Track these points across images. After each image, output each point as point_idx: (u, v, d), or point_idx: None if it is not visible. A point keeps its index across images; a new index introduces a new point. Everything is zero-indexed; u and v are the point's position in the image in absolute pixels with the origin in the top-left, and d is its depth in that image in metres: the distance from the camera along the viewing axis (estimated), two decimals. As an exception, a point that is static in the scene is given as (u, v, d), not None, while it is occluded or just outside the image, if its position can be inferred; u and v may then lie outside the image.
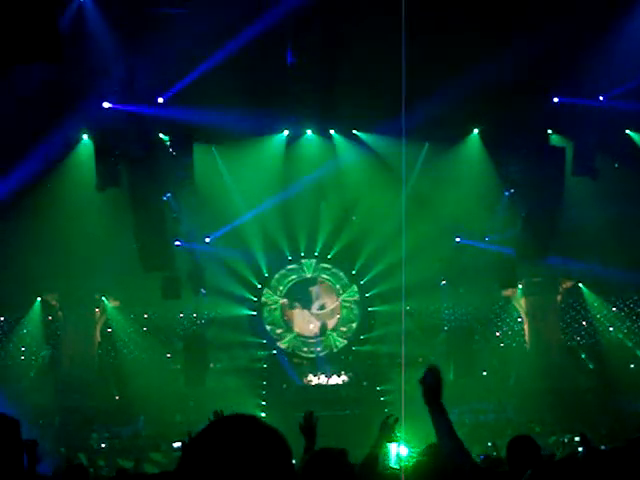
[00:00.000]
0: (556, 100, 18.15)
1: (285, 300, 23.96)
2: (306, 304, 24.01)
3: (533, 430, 18.03)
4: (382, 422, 5.18)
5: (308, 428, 5.35)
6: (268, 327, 23.83)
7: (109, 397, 21.90)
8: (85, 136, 19.02)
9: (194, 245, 21.42)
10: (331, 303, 24.05)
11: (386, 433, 5.13)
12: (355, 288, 23.98)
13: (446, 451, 3.83)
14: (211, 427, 1.74)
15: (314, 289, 24.03)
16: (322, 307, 24.01)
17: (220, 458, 1.65)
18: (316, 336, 23.78)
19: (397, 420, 5.15)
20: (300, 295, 24.06)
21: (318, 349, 23.68)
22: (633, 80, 17.12)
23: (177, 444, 15.22)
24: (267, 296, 23.91)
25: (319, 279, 24.08)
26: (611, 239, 19.42)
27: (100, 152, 18.18)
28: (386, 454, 7.81)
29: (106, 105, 17.38)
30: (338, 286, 24.09)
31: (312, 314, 23.95)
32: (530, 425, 19.26)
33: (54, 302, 22.56)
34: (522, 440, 5.00)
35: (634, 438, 5.31)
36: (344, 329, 23.93)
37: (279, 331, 23.89)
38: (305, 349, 23.78)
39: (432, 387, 3.79)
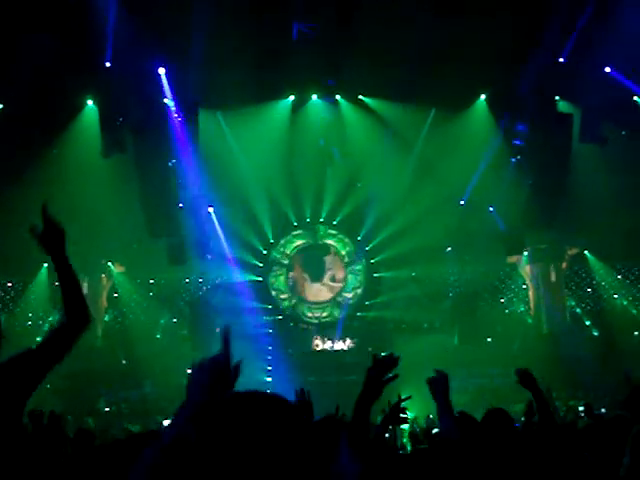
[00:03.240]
0: (561, 60, 17.78)
1: (294, 271, 24.04)
2: (316, 275, 24.07)
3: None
4: (391, 406, 4.57)
5: (303, 403, 5.31)
6: (273, 292, 23.95)
7: (116, 362, 22.08)
8: (90, 102, 18.93)
9: (199, 211, 21.43)
10: (341, 274, 24.12)
11: (395, 415, 4.60)
12: (361, 253, 24.01)
13: (444, 426, 4.21)
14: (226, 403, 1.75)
15: (323, 263, 24.08)
16: (333, 278, 24.09)
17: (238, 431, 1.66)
18: (322, 302, 23.89)
19: (408, 398, 4.56)
20: (309, 264, 24.11)
21: (323, 314, 23.81)
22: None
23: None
24: (272, 261, 23.98)
25: (328, 249, 24.11)
26: (617, 206, 19.37)
27: (105, 118, 18.12)
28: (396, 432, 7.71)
29: (108, 65, 17.14)
30: (344, 252, 24.15)
31: (323, 284, 24.04)
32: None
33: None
34: (496, 412, 5.06)
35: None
36: (349, 295, 24.03)
37: (284, 296, 24.00)
38: (310, 314, 23.90)
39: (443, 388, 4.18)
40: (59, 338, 3.45)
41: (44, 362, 3.42)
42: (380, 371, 3.78)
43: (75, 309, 3.48)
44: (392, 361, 3.86)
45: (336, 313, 23.80)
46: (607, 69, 17.85)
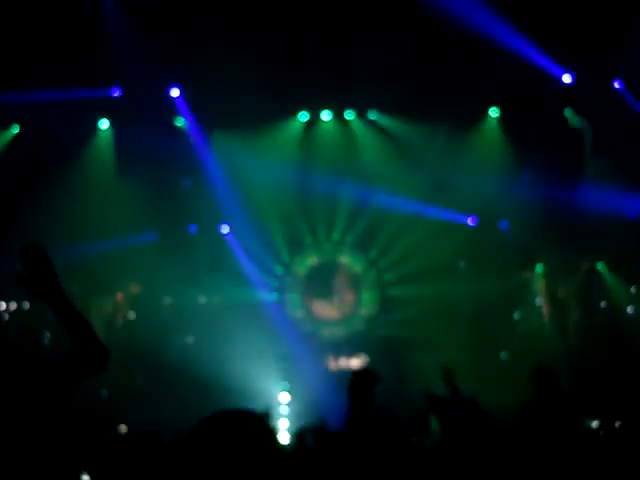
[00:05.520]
0: (568, 80, 17.77)
1: (305, 293, 24.05)
2: (324, 299, 24.10)
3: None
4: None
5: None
6: (289, 311, 23.94)
7: (131, 381, 22.09)
8: (106, 122, 19.11)
9: (213, 231, 21.53)
10: (350, 295, 24.10)
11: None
12: (373, 271, 23.99)
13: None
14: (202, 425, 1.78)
15: (336, 281, 24.08)
16: (342, 299, 24.06)
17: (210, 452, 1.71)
18: (333, 320, 23.87)
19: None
20: (317, 288, 24.13)
21: (335, 332, 23.77)
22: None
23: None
24: (287, 281, 24.01)
25: (340, 267, 24.10)
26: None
27: (120, 138, 18.33)
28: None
29: (116, 93, 17.45)
30: (355, 270, 24.14)
31: (332, 306, 24.02)
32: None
33: (75, 289, 22.79)
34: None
35: None
36: (361, 313, 23.99)
37: (299, 315, 23.99)
38: (324, 332, 23.86)
39: None
40: (69, 370, 3.05)
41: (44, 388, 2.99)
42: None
43: (89, 351, 3.07)
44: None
45: (348, 331, 23.75)
46: (616, 84, 17.89)
